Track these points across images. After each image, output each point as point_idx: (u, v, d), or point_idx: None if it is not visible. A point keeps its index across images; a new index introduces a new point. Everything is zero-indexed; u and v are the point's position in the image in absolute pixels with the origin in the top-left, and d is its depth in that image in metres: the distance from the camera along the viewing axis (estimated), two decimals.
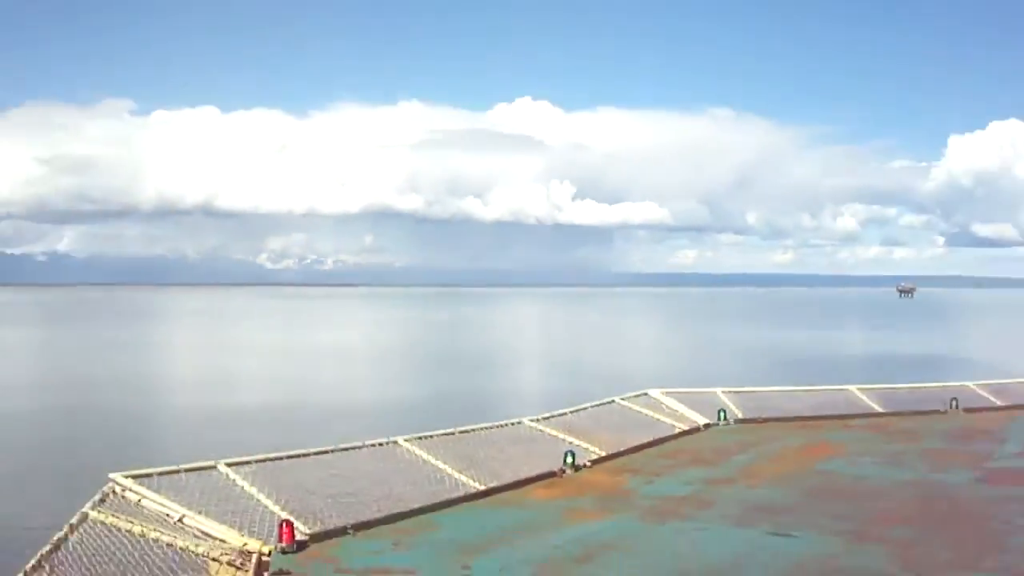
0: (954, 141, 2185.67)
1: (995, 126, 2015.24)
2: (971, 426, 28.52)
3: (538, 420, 23.63)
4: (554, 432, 22.92)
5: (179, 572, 12.70)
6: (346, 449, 18.91)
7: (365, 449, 19.16)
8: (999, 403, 32.57)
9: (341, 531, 15.38)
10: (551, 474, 20.32)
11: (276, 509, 15.32)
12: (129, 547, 13.21)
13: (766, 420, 28.31)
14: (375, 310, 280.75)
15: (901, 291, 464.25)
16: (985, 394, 33.31)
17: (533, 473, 20.07)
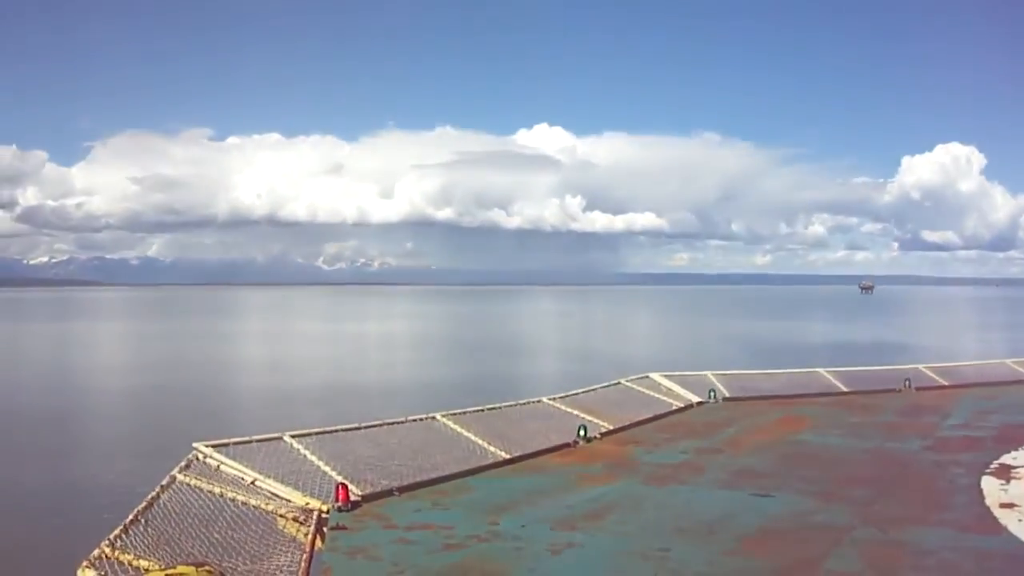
0: (906, 160, 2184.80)
1: (940, 148, 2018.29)
2: (921, 403, 28.40)
3: (555, 399, 23.60)
4: (569, 409, 22.86)
5: (252, 526, 12.70)
6: (391, 423, 18.98)
7: (408, 423, 19.20)
8: (945, 383, 32.51)
9: (388, 493, 15.39)
10: (566, 445, 20.29)
11: (333, 474, 15.35)
12: (211, 505, 13.24)
13: (749, 398, 28.27)
14: (415, 305, 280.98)
15: (862, 288, 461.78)
16: (933, 375, 33.24)
17: (551, 444, 20.05)
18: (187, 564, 10.19)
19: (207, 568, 10.05)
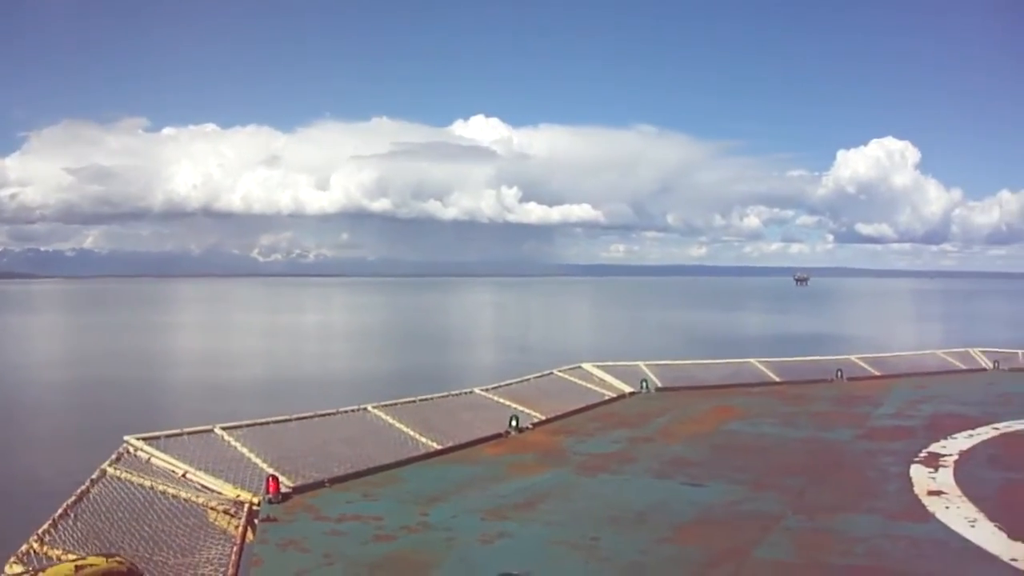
0: (841, 155, 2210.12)
1: (875, 143, 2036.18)
2: (853, 392, 28.81)
3: (487, 389, 23.61)
4: (501, 399, 22.91)
5: (182, 519, 12.68)
6: (323, 415, 18.87)
7: (339, 415, 19.14)
8: (876, 373, 33.12)
9: (319, 484, 15.35)
10: (498, 435, 20.31)
11: (264, 466, 15.29)
12: (141, 498, 13.17)
13: (681, 388, 28.47)
14: (350, 297, 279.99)
15: (797, 280, 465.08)
16: (865, 365, 33.81)
17: (483, 434, 20.02)
18: (97, 555, 10.16)
19: (117, 559, 10.01)
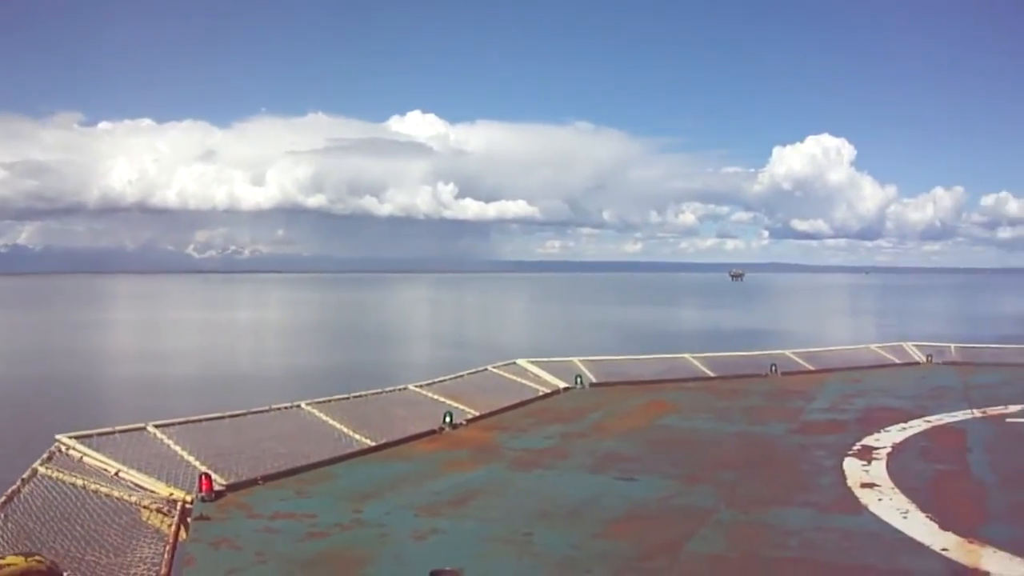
0: (777, 151, 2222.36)
1: (811, 139, 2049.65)
2: (787, 387, 29.13)
3: (422, 386, 23.62)
4: (435, 396, 22.92)
5: (115, 519, 12.60)
6: (256, 412, 18.81)
7: (273, 412, 19.06)
8: (810, 367, 33.48)
9: (252, 482, 15.31)
10: (432, 432, 20.33)
11: (197, 464, 15.19)
12: (73, 498, 13.08)
13: (616, 383, 28.62)
14: (285, 293, 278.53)
15: (732, 276, 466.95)
16: (799, 360, 34.13)
17: (417, 431, 20.04)
18: (16, 555, 10.14)
19: (37, 558, 9.98)
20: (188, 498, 13.91)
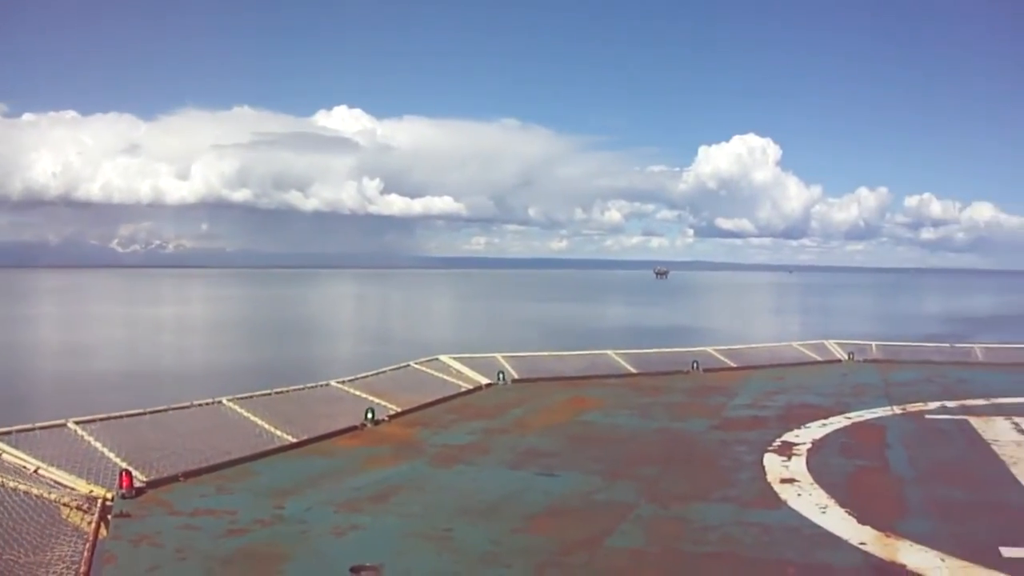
0: (703, 150, 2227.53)
1: (737, 139, 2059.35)
2: (709, 384, 29.42)
3: (343, 382, 23.60)
4: (357, 392, 22.91)
5: (34, 516, 12.45)
6: (178, 408, 18.65)
7: (194, 408, 18.94)
8: (733, 364, 33.89)
9: (173, 479, 15.26)
10: (354, 428, 20.39)
11: (117, 460, 15.08)
12: None
13: (538, 380, 28.79)
14: (209, 288, 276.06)
15: (657, 273, 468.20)
16: (721, 357, 34.52)
17: (339, 427, 20.07)
18: None
19: None
20: (108, 495, 13.84)
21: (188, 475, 15.60)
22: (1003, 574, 11.25)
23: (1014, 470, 17.30)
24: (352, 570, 11.10)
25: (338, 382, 23.63)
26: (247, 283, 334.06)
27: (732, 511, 14.20)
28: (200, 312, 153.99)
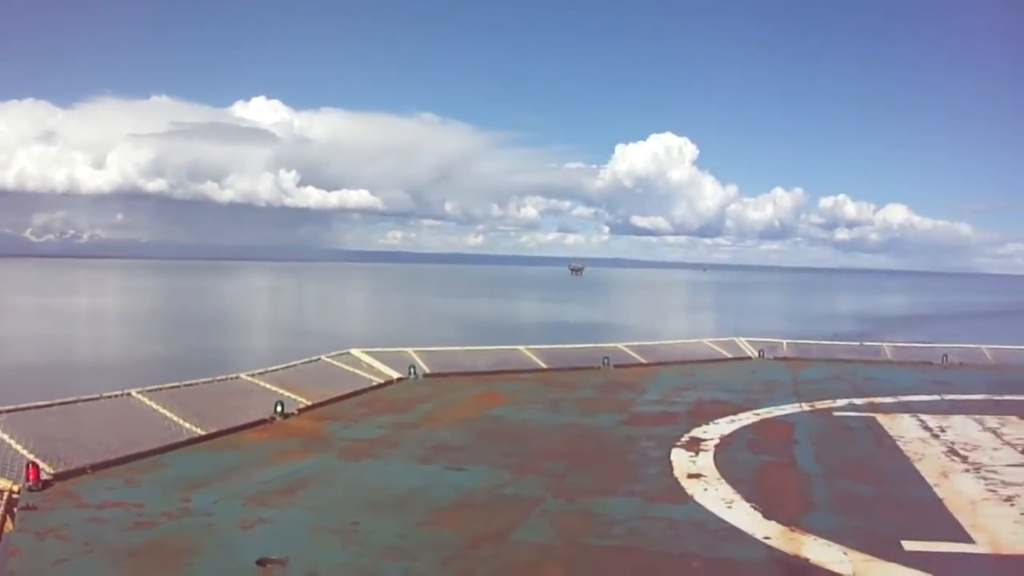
0: (620, 148, 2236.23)
1: (654, 138, 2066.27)
2: (619, 379, 29.62)
3: (254, 375, 23.48)
4: (267, 385, 22.82)
5: None
6: (86, 400, 18.46)
7: (103, 400, 18.75)
8: (643, 360, 34.12)
9: (81, 471, 15.12)
10: (263, 421, 20.33)
11: (24, 452, 14.91)
12: None
13: (449, 375, 28.82)
14: (122, 280, 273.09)
15: (572, 270, 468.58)
16: (632, 353, 34.77)
17: (248, 420, 20.01)
18: None
19: None
20: (15, 488, 13.72)
21: (96, 467, 15.48)
22: (904, 567, 11.49)
23: (918, 466, 17.66)
24: (259, 563, 11.14)
25: (248, 375, 23.51)
26: (161, 274, 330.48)
27: (638, 505, 14.38)
28: (113, 303, 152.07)
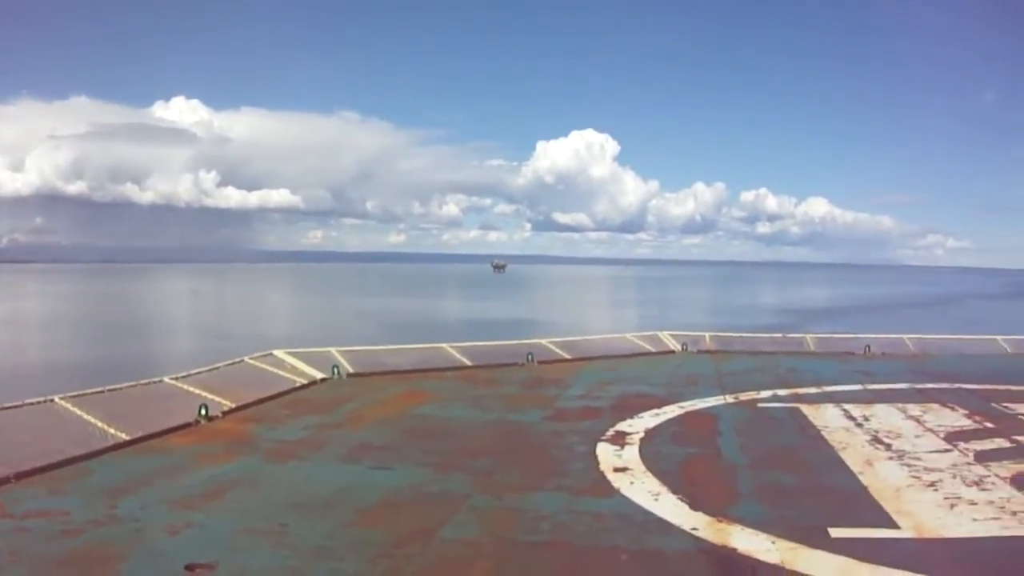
0: (541, 145, 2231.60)
1: (575, 134, 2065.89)
2: (543, 375, 29.77)
3: (177, 379, 23.26)
4: (191, 388, 22.64)
5: None
6: (7, 407, 18.14)
7: (25, 407, 18.50)
8: (567, 356, 34.25)
9: (4, 480, 14.84)
10: (188, 425, 20.18)
11: None
12: None
13: (373, 374, 28.80)
14: (43, 284, 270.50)
15: (495, 267, 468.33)
16: (556, 349, 34.88)
17: (172, 424, 19.85)
18: None
19: None
20: None
21: (20, 476, 15.29)
22: (830, 553, 11.71)
23: (842, 455, 18.04)
24: (187, 568, 11.13)
25: (172, 379, 23.30)
26: (82, 278, 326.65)
27: (565, 500, 14.51)
28: (33, 308, 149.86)
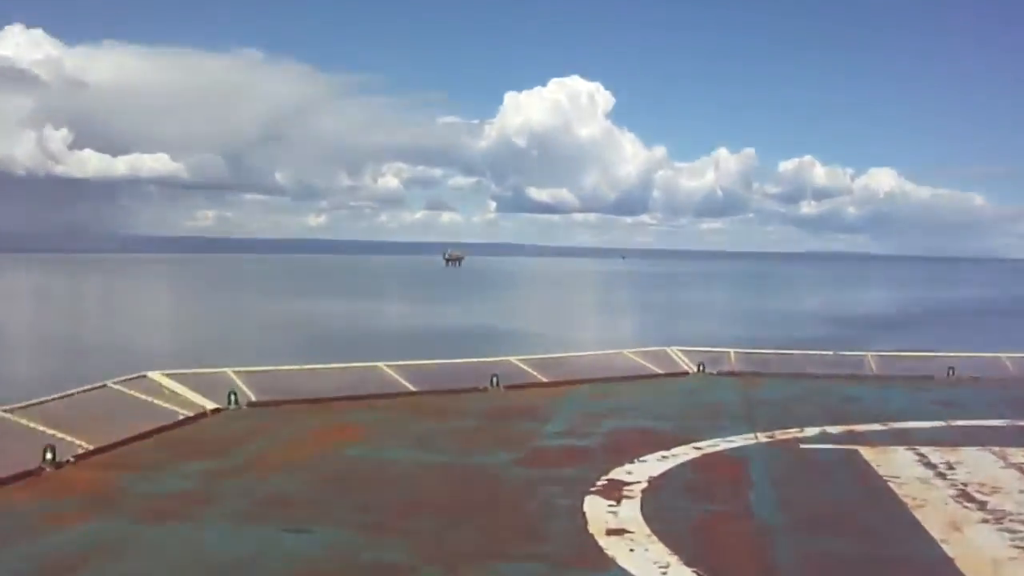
0: (510, 97, 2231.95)
1: (555, 83, 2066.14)
2: (512, 404, 29.70)
3: (14, 410, 22.88)
4: (33, 424, 22.23)
5: None
6: None
7: None
8: (544, 379, 34.03)
9: None
10: (28, 473, 19.77)
11: None
12: None
13: (283, 402, 28.54)
14: None
15: (448, 259, 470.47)
16: (529, 369, 34.66)
17: (6, 473, 19.48)
18: None
19: None
20: None
21: None
22: None
23: (919, 515, 17.78)
24: None
25: (6, 410, 23.03)
26: None
27: (543, 573, 14.33)
28: None
